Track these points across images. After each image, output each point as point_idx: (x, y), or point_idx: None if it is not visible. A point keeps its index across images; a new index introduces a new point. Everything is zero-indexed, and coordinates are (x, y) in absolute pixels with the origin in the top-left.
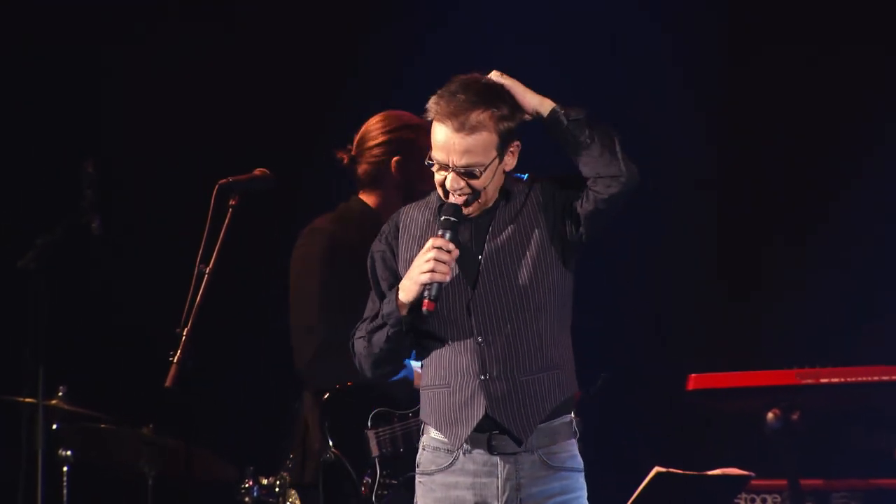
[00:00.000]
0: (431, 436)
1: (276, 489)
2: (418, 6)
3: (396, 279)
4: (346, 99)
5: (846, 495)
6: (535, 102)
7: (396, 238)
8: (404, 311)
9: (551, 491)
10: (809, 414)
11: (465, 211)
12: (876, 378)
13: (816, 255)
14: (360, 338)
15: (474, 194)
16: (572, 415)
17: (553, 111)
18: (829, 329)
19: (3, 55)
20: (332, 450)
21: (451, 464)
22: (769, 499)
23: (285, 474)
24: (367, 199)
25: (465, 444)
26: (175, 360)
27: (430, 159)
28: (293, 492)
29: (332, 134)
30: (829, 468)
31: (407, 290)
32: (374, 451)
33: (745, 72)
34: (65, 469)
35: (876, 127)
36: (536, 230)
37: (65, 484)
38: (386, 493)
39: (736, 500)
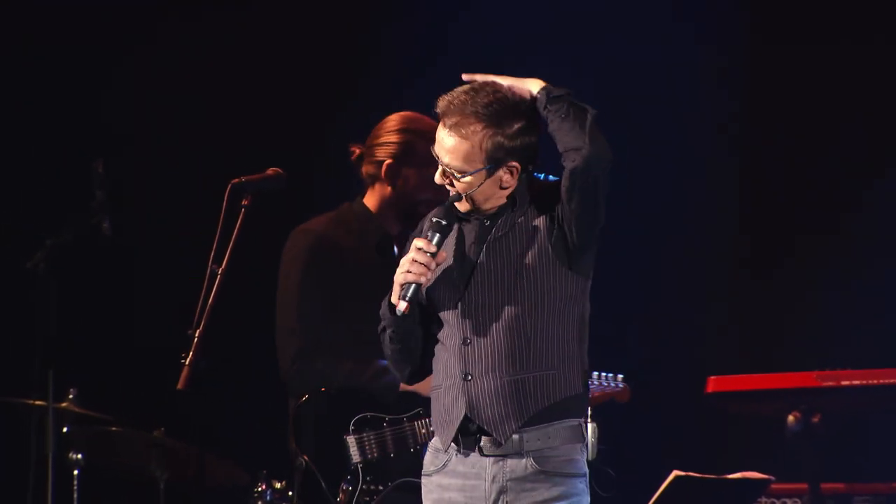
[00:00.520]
0: (434, 437)
1: (290, 493)
2: (433, 4)
3: None
4: (360, 98)
5: (868, 499)
6: (529, 85)
7: (416, 237)
8: (391, 312)
9: (541, 496)
10: (830, 416)
11: (460, 207)
12: None
13: (838, 257)
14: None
15: (459, 194)
16: (580, 420)
17: (542, 89)
18: (850, 331)
19: (13, 54)
20: (302, 456)
21: (445, 465)
22: (789, 503)
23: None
24: (368, 200)
25: (456, 445)
26: (187, 362)
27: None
28: None
29: (344, 133)
30: (851, 472)
31: (392, 291)
32: (356, 457)
33: (759, 78)
34: (75, 472)
35: None
36: (537, 233)
37: (75, 487)
38: (368, 499)
39: None
